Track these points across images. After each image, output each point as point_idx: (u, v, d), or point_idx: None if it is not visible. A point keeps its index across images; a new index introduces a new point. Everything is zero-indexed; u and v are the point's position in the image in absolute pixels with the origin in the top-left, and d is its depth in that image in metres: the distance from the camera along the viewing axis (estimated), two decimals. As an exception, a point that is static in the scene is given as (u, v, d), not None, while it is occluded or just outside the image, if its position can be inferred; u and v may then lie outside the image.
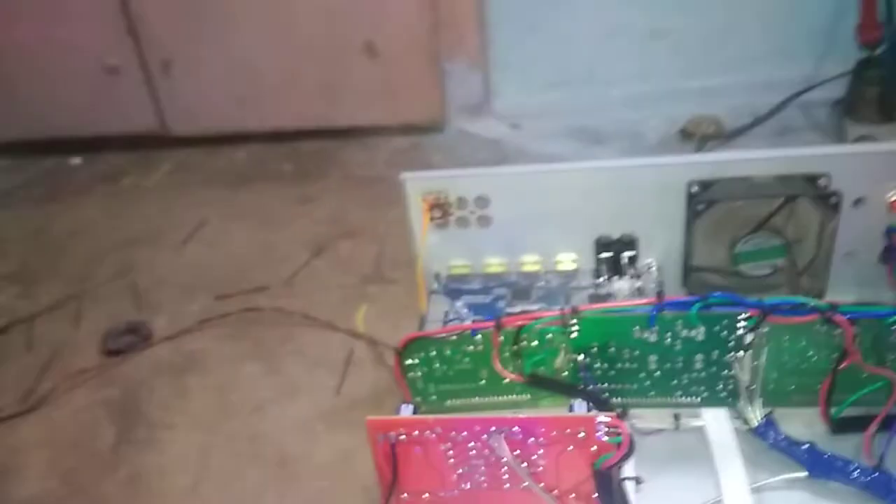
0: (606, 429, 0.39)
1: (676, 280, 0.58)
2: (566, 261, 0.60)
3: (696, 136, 0.97)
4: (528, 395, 0.50)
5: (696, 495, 0.44)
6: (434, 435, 0.40)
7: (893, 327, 0.44)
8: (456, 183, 0.57)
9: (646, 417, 0.49)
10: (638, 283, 0.58)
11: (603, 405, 0.48)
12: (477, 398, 0.50)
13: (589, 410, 0.40)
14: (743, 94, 1.01)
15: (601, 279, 0.58)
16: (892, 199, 0.53)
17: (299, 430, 0.62)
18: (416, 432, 0.40)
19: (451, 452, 0.41)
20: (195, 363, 0.71)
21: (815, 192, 0.53)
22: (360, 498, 0.55)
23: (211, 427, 0.64)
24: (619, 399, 0.50)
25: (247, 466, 0.60)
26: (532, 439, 0.40)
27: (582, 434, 0.39)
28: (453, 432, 0.40)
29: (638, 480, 0.46)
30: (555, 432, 0.39)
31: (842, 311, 0.44)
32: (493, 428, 0.39)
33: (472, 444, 0.40)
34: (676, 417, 0.49)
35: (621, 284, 0.58)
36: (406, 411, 0.41)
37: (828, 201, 0.52)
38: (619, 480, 0.45)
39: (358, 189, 0.96)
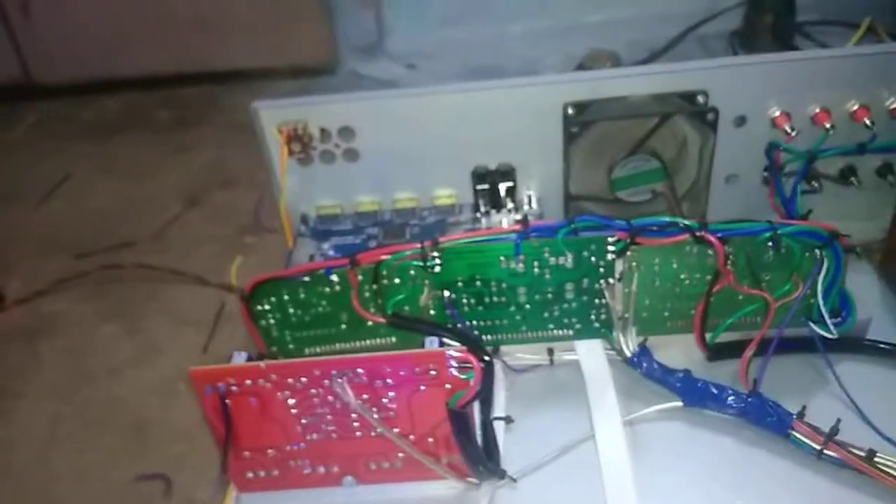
0: (457, 364, 0.35)
1: (559, 211, 0.55)
2: (443, 196, 0.56)
3: (593, 70, 0.94)
4: (395, 338, 0.46)
5: (570, 432, 0.42)
6: (269, 384, 0.36)
7: (767, 244, 0.42)
8: (315, 111, 0.52)
9: (519, 354, 0.46)
10: (517, 216, 0.55)
11: (473, 343, 0.44)
12: (339, 344, 0.46)
13: (441, 346, 0.36)
14: (640, 28, 0.99)
15: (479, 213, 0.55)
16: (775, 114, 0.51)
17: (159, 393, 0.56)
18: (249, 382, 0.35)
19: (291, 402, 0.36)
20: (49, 327, 0.64)
21: (692, 109, 0.50)
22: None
23: (63, 394, 0.58)
24: (491, 336, 0.46)
25: (100, 434, 0.54)
26: (379, 381, 0.36)
27: (433, 372, 0.35)
28: (291, 379, 0.35)
29: (508, 420, 0.43)
30: (403, 372, 0.35)
31: (712, 230, 0.41)
32: (335, 371, 0.35)
33: (314, 390, 0.36)
34: (550, 352, 0.46)
35: (500, 217, 0.55)
36: (239, 359, 0.36)
37: (705, 118, 0.50)
38: (489, 421, 0.42)
39: (239, 136, 0.88)
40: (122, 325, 0.64)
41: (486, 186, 0.54)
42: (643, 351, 0.44)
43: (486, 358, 0.44)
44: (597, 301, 0.44)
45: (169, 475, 0.50)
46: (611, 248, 0.42)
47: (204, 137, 0.90)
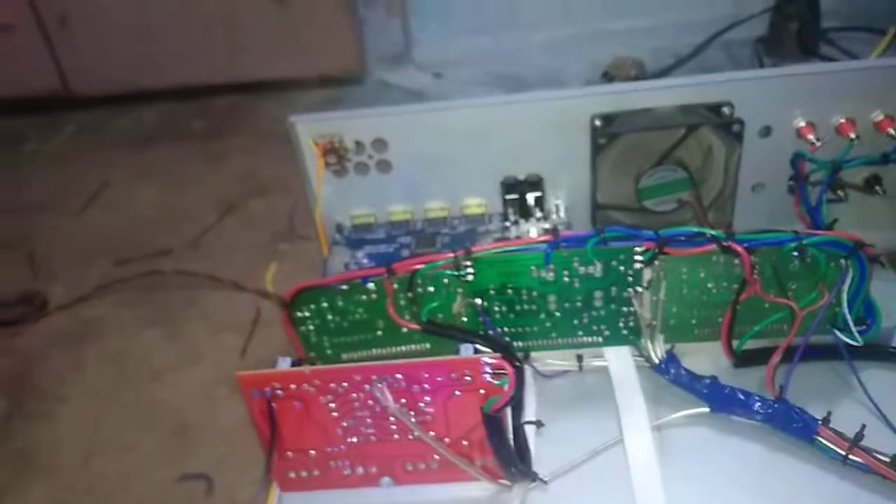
0: (491, 370, 0.37)
1: (586, 220, 0.56)
2: (473, 205, 0.57)
3: (619, 79, 0.95)
4: (429, 345, 0.47)
5: (599, 436, 0.43)
6: (313, 388, 0.37)
7: (793, 254, 0.42)
8: (350, 125, 0.54)
9: (549, 360, 0.48)
10: (546, 225, 0.56)
11: (504, 350, 0.46)
12: (375, 350, 0.48)
13: (475, 353, 0.38)
14: (665, 36, 1.00)
15: (508, 222, 0.56)
16: (799, 124, 0.52)
17: (200, 396, 0.59)
18: (294, 386, 0.37)
19: (333, 405, 0.38)
20: (92, 332, 0.67)
21: (718, 120, 0.51)
22: (262, 462, 0.52)
23: (106, 397, 0.60)
24: (521, 343, 0.48)
25: (143, 436, 0.56)
26: (416, 386, 0.37)
27: (468, 377, 0.37)
28: (333, 384, 0.37)
29: (539, 424, 0.44)
30: (440, 377, 0.37)
31: (739, 240, 0.42)
32: (375, 377, 0.37)
33: (355, 395, 0.38)
34: (579, 358, 0.47)
35: (529, 227, 0.56)
36: (283, 364, 0.38)
37: (730, 129, 0.51)
38: (520, 425, 0.43)
39: (271, 145, 0.92)
40: (162, 329, 0.66)
41: (515, 196, 0.56)
42: (671, 357, 0.45)
43: (518, 364, 0.45)
44: (625, 309, 0.46)
45: (211, 475, 0.52)
46: (639, 257, 0.43)
47: (236, 146, 0.93)
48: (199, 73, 1.05)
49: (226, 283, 0.69)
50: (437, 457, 0.40)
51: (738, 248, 0.42)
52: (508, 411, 0.39)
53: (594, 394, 0.46)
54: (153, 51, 1.03)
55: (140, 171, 0.90)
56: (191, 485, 0.52)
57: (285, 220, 0.77)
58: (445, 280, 0.45)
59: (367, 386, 0.37)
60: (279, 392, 0.37)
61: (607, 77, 0.97)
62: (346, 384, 0.37)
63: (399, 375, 0.37)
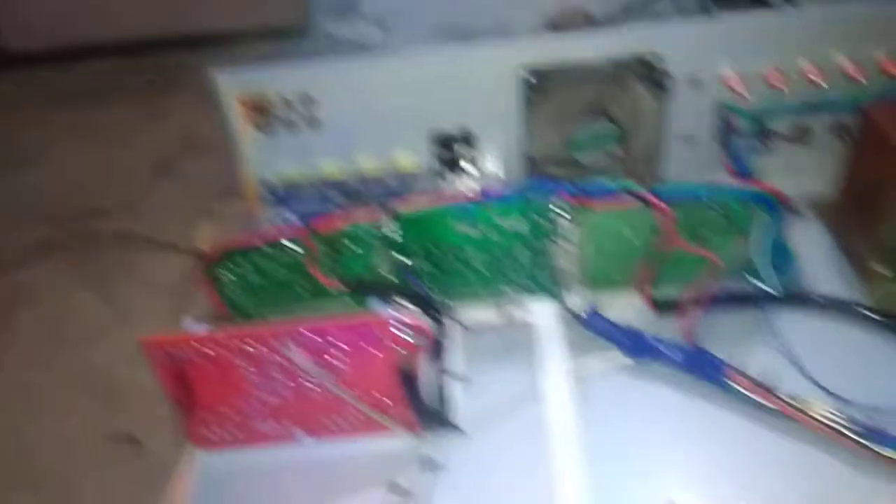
0: (405, 326, 0.37)
1: (520, 174, 0.56)
2: (406, 161, 0.57)
3: (566, 28, 0.94)
4: (355, 303, 0.47)
5: (521, 387, 0.43)
6: (223, 349, 0.37)
7: (711, 206, 0.43)
8: (276, 80, 0.53)
9: (475, 315, 0.48)
10: (479, 180, 0.56)
11: (429, 305, 0.46)
12: (301, 310, 0.48)
13: (394, 309, 0.38)
14: (614, -16, 0.98)
15: (441, 178, 0.56)
16: (728, 75, 0.52)
17: (134, 359, 0.58)
18: (202, 347, 0.37)
19: (246, 365, 0.38)
20: (25, 296, 0.66)
21: (645, 72, 0.50)
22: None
23: (40, 363, 0.60)
24: (447, 298, 0.48)
25: (77, 400, 0.56)
26: (331, 344, 0.37)
27: (381, 334, 0.37)
28: (243, 344, 0.37)
29: (462, 377, 0.45)
30: (353, 334, 0.37)
31: (657, 193, 0.42)
32: (287, 336, 0.37)
33: (268, 354, 0.38)
34: (505, 313, 0.48)
35: (461, 182, 0.56)
36: (191, 327, 0.37)
37: (657, 82, 0.51)
38: (442, 378, 0.43)
39: (212, 102, 0.89)
40: (97, 292, 0.65)
41: (446, 152, 0.55)
42: (593, 309, 0.45)
43: (442, 319, 0.46)
44: (548, 262, 0.46)
45: (142, 437, 0.52)
46: (560, 211, 0.44)
47: (178, 103, 0.91)
48: (141, 27, 1.02)
49: (161, 244, 0.67)
50: (355, 412, 0.40)
51: (657, 201, 0.42)
52: (424, 366, 0.39)
53: (518, 346, 0.46)
54: (94, 5, 0.99)
55: (78, 130, 0.87)
56: (123, 446, 0.52)
57: (224, 179, 0.76)
58: (369, 238, 0.45)
59: (279, 345, 0.37)
60: (188, 354, 0.37)
61: (554, 27, 0.95)
62: (257, 344, 0.37)
63: (312, 334, 0.37)
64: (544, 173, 0.55)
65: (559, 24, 0.94)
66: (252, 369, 0.38)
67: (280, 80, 0.53)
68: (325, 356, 0.38)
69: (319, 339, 0.37)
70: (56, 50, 1.01)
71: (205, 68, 0.98)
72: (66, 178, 0.80)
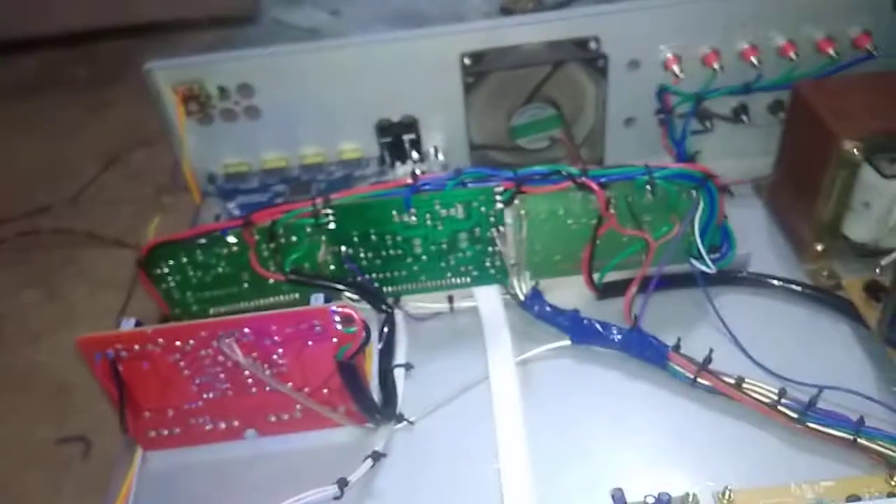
0: (341, 318, 0.36)
1: (464, 161, 0.56)
2: (349, 150, 0.56)
3: (517, 12, 0.94)
4: (297, 295, 0.47)
5: (467, 374, 0.44)
6: (158, 347, 0.37)
7: (645, 188, 0.43)
8: (211, 70, 0.52)
9: (420, 303, 0.48)
10: (423, 167, 0.56)
11: (372, 295, 0.46)
12: (243, 303, 0.47)
13: (327, 301, 0.38)
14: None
15: (385, 166, 0.55)
16: (666, 57, 0.52)
17: (78, 358, 0.57)
18: (137, 346, 0.36)
19: (182, 363, 0.37)
20: (-35, 297, 0.64)
21: (583, 55, 0.51)
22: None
23: (-18, 363, 0.58)
24: (391, 287, 0.48)
25: (21, 400, 0.55)
26: (267, 339, 0.37)
27: (318, 327, 0.37)
28: (178, 342, 0.37)
29: (408, 367, 0.45)
30: (289, 329, 0.37)
31: (592, 176, 0.42)
32: (221, 332, 0.36)
33: (204, 351, 0.37)
34: (450, 300, 0.48)
35: (405, 170, 0.55)
36: (126, 325, 0.37)
37: (595, 64, 0.51)
38: (389, 368, 0.43)
39: (149, 92, 0.87)
40: (40, 291, 0.64)
41: (389, 139, 0.55)
42: (535, 294, 0.46)
43: (386, 308, 0.45)
44: (490, 249, 0.46)
45: (89, 437, 0.51)
46: (498, 197, 0.44)
47: (121, 95, 0.88)
48: (83, 17, 0.99)
49: (106, 240, 0.66)
50: (299, 406, 0.40)
51: (592, 184, 0.42)
52: (363, 358, 0.39)
53: (464, 334, 0.47)
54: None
55: (18, 124, 0.85)
56: (69, 446, 0.51)
57: (169, 172, 0.74)
58: (308, 229, 0.45)
59: (214, 342, 0.37)
60: (123, 353, 0.36)
61: (505, 11, 0.95)
62: (192, 341, 0.37)
63: (247, 329, 0.36)
64: (488, 159, 0.55)
65: (509, 9, 0.94)
66: (186, 366, 0.38)
67: (216, 68, 0.52)
68: (264, 350, 0.37)
69: (257, 334, 0.36)
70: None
71: (149, 57, 0.96)
72: (4, 174, 0.78)
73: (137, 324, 0.37)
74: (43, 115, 0.87)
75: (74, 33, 0.99)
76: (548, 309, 0.45)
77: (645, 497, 0.35)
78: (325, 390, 0.39)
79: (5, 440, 0.53)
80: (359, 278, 0.46)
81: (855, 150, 0.42)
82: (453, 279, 0.47)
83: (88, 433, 0.52)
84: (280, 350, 0.37)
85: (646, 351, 0.42)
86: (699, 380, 0.41)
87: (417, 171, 0.53)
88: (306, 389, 0.39)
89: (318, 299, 0.38)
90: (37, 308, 0.62)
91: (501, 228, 0.45)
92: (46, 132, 0.84)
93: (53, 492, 0.51)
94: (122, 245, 0.66)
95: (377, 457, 0.39)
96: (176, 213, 0.70)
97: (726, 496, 0.36)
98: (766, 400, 0.39)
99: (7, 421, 0.54)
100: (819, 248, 0.47)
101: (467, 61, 0.51)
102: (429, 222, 0.45)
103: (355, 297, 0.45)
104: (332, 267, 0.46)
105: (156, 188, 0.73)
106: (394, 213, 0.44)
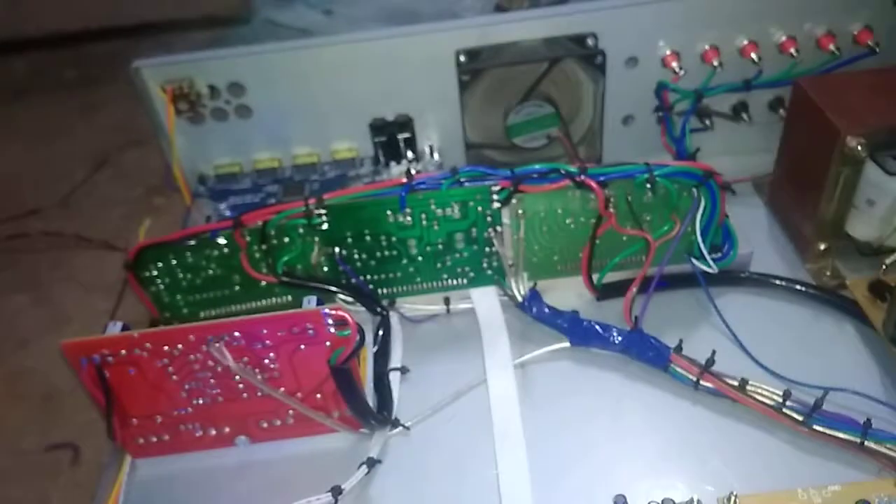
0: (333, 322, 0.35)
1: (460, 160, 0.55)
2: (343, 149, 0.55)
3: (513, 10, 0.93)
4: (290, 297, 0.46)
5: (464, 377, 0.43)
6: (145, 352, 0.35)
7: (645, 186, 0.42)
8: (201, 68, 0.51)
9: (416, 305, 0.47)
10: (418, 167, 0.55)
11: (366, 297, 0.45)
12: (235, 306, 0.46)
13: (320, 304, 0.37)
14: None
15: (379, 166, 0.54)
16: (665, 54, 0.51)
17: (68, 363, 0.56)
18: (124, 351, 0.35)
19: (171, 369, 0.36)
20: (-47, 301, 0.63)
21: (580, 52, 0.50)
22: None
23: (-31, 369, 0.57)
24: (386, 289, 0.46)
25: (9, 406, 0.54)
26: (258, 343, 0.36)
27: (311, 331, 0.36)
28: (166, 346, 0.35)
29: (404, 370, 0.44)
30: (281, 332, 0.36)
31: (591, 174, 0.41)
32: (211, 336, 0.35)
33: (193, 356, 0.36)
34: (447, 301, 0.47)
35: (400, 169, 0.54)
36: (113, 329, 0.36)
37: (593, 61, 0.50)
38: (384, 372, 0.42)
39: (138, 92, 0.86)
40: (29, 295, 0.63)
41: (384, 138, 0.54)
42: (533, 295, 0.45)
43: (381, 311, 0.44)
44: (487, 249, 0.45)
45: (77, 443, 0.50)
46: (495, 196, 0.43)
47: (112, 96, 0.87)
48: (73, 18, 0.98)
49: (95, 243, 0.65)
50: (291, 412, 0.39)
51: (591, 183, 0.41)
52: (357, 362, 0.38)
53: (461, 336, 0.46)
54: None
55: (7, 126, 0.84)
56: (57, 453, 0.50)
57: (161, 173, 0.73)
58: (301, 230, 0.44)
59: (204, 346, 0.35)
60: (109, 358, 0.35)
61: (499, 9, 0.94)
62: (181, 346, 0.35)
63: (237, 333, 0.35)
64: (484, 158, 0.54)
65: (504, 7, 0.93)
66: (175, 371, 0.37)
67: (206, 66, 0.51)
68: (256, 355, 0.36)
69: (248, 337, 0.35)
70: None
71: (141, 58, 0.95)
72: (-4, 176, 0.77)
73: (125, 328, 0.36)
74: (32, 116, 0.86)
75: (64, 34, 0.98)
76: (546, 310, 0.44)
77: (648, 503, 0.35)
78: (319, 395, 0.38)
79: (-7, 447, 0.52)
80: (353, 280, 0.45)
81: (858, 145, 0.41)
82: (450, 280, 0.46)
83: (77, 440, 0.50)
84: (272, 354, 0.36)
85: (647, 353, 0.42)
86: (702, 382, 0.40)
87: (412, 171, 0.52)
88: (299, 394, 0.38)
89: (310, 302, 0.37)
90: (25, 312, 0.61)
91: (499, 228, 0.44)
92: (36, 133, 0.82)
93: (41, 499, 0.50)
94: (111, 248, 0.65)
95: (372, 463, 0.38)
96: (168, 214, 0.69)
97: (731, 502, 0.35)
98: (770, 402, 0.38)
99: (-5, 427, 0.53)
100: (822, 246, 0.46)
101: (462, 58, 0.50)
102: (424, 222, 0.44)
103: (349, 299, 0.44)
104: (325, 269, 0.45)
105: (147, 190, 0.72)
106: (388, 213, 0.43)
